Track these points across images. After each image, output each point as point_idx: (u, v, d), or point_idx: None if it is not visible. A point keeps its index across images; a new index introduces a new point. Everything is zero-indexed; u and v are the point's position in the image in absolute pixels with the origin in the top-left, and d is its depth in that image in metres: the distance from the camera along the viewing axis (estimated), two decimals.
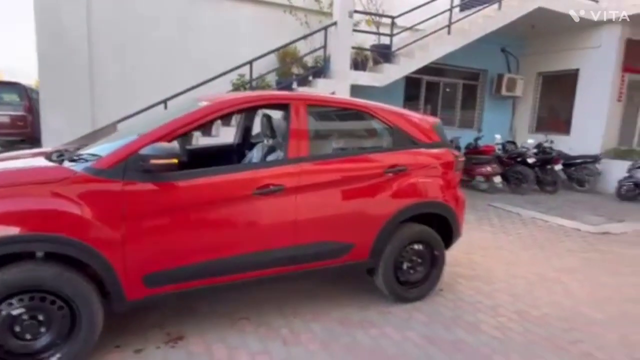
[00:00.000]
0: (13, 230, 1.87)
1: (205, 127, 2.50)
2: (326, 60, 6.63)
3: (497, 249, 4.43)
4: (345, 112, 3.09)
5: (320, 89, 6.47)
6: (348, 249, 2.75)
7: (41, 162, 2.33)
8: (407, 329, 2.68)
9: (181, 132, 2.32)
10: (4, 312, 1.89)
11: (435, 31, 7.34)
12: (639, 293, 3.44)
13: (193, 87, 5.61)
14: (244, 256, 2.43)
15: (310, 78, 6.72)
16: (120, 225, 2.08)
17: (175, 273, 2.26)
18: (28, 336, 1.95)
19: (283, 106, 2.73)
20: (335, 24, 6.51)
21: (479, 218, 5.75)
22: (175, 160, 2.09)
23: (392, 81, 7.11)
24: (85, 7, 6.34)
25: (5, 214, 1.88)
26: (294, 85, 6.57)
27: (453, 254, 3.68)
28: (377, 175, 2.80)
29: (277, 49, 6.32)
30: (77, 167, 2.11)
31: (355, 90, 6.51)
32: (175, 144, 2.25)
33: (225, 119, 4.40)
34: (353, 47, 6.85)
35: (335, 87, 6.50)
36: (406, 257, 2.96)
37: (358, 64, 7.04)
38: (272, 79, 6.86)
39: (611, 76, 8.38)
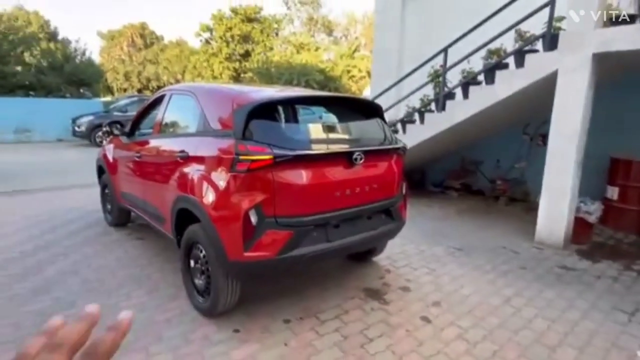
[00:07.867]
0: None
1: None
2: (551, 21, 4.38)
3: None
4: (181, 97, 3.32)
5: (530, 70, 4.51)
6: (164, 221, 3.18)
7: None
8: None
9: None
10: None
11: None
12: None
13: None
14: None
15: (540, 50, 4.68)
16: None
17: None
18: None
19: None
20: None
21: None
22: None
23: None
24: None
25: None
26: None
27: None
28: (173, 160, 2.92)
29: (475, 27, 4.96)
30: None
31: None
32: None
33: None
34: None
35: (560, 63, 4.25)
36: (192, 258, 2.80)
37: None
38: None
39: None
